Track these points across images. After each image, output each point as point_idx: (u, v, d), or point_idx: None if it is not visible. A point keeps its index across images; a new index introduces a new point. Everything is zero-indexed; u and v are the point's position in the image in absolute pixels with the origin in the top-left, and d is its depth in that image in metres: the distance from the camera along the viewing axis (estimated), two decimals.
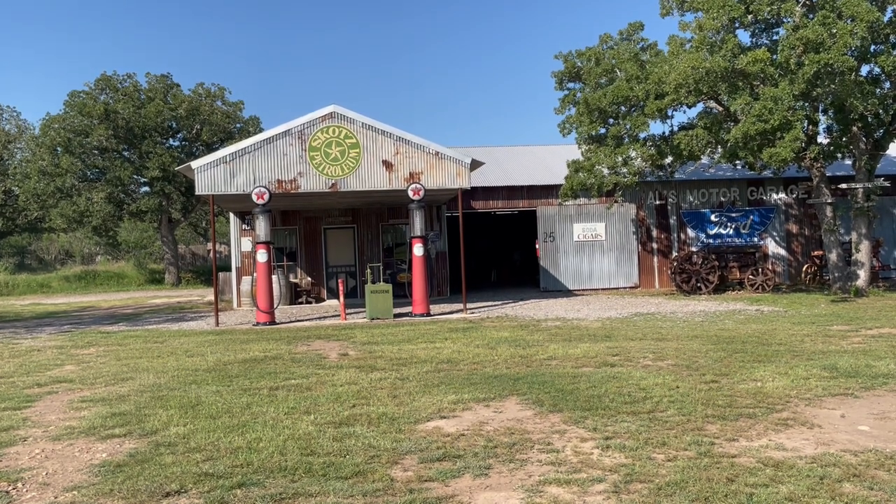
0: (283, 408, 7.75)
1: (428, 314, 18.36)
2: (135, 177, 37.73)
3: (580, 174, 22.23)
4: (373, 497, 4.99)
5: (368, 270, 19.52)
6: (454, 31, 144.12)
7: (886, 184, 21.94)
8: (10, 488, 5.44)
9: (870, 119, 20.53)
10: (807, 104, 19.84)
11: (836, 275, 21.04)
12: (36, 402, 8.72)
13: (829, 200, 21.08)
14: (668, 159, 22.22)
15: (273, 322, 17.73)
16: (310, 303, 23.90)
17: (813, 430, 6.43)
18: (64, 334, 16.68)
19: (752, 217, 26.31)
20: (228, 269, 27.44)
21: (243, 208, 22.79)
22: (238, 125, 40.12)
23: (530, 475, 5.40)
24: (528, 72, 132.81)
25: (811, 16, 18.90)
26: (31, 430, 7.27)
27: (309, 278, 24.59)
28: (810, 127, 20.82)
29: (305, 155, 18.23)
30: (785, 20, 19.67)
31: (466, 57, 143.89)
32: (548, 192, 25.86)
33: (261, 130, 35.24)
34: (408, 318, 18.05)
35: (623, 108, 21.73)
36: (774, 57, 18.98)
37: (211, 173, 18.00)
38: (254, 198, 17.79)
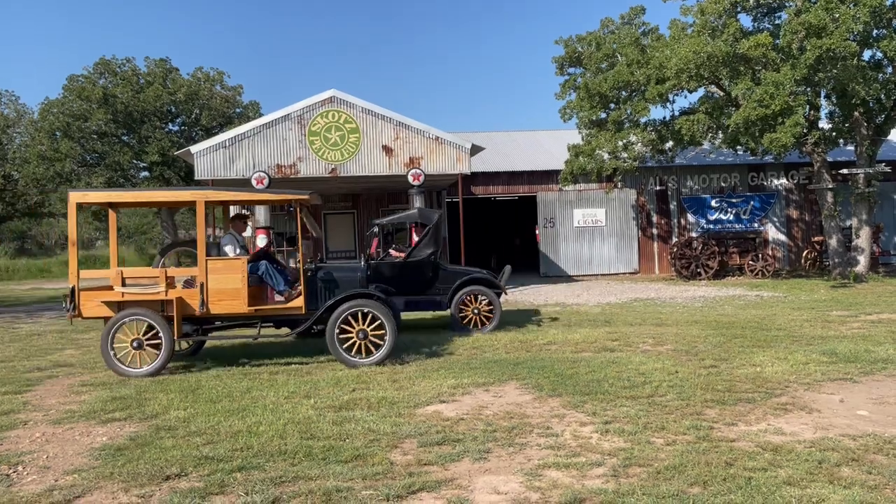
0: (283, 392, 7.76)
1: None
2: (134, 161, 37.64)
3: (580, 158, 22.17)
4: (372, 480, 5.00)
5: None
6: (455, 22, 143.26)
7: (887, 169, 21.86)
8: (11, 471, 5.45)
9: (871, 104, 20.44)
10: (808, 89, 19.73)
11: (836, 260, 21.03)
12: (36, 385, 8.74)
13: (829, 186, 21.03)
14: (669, 144, 22.15)
15: None
16: None
17: (812, 415, 6.44)
18: (64, 318, 16.65)
19: (752, 202, 26.25)
20: None
21: None
22: (237, 110, 39.97)
23: (529, 459, 5.41)
24: (529, 58, 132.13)
25: (813, 0, 18.77)
26: (32, 414, 7.28)
27: None
28: (812, 112, 20.72)
29: (305, 140, 18.17)
30: (787, 4, 19.56)
31: (467, 46, 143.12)
32: (548, 177, 25.78)
33: (260, 115, 35.11)
34: None
35: (624, 92, 21.64)
36: (776, 41, 18.87)
37: (210, 158, 17.95)
38: (253, 182, 17.75)
